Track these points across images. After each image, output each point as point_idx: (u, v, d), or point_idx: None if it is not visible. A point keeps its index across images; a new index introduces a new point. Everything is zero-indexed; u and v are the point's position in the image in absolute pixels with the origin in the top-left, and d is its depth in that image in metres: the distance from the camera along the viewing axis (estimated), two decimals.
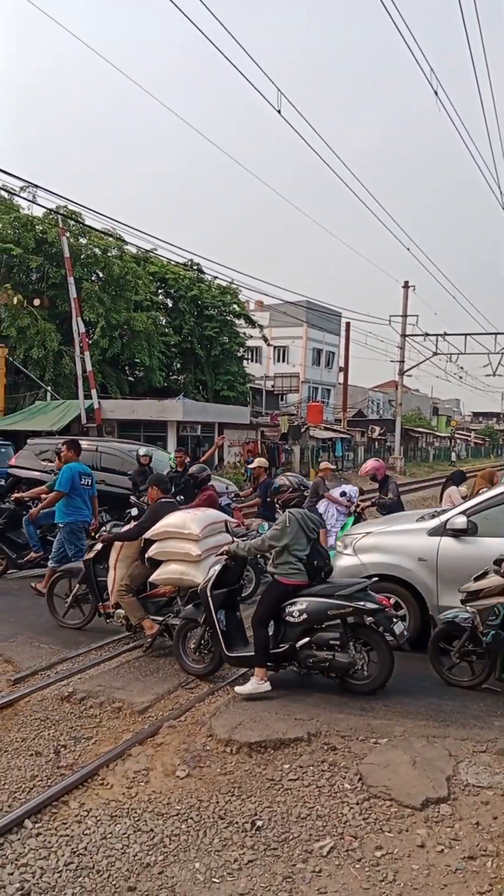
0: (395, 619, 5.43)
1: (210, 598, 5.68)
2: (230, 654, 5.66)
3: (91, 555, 7.11)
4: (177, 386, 31.18)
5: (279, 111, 14.54)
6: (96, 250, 26.11)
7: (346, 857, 3.57)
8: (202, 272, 30.22)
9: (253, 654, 5.49)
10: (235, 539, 6.65)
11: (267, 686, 5.41)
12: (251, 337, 35.11)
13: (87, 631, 7.12)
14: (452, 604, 5.75)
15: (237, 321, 34.09)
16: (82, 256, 25.41)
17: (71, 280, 21.70)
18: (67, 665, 6.25)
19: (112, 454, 13.44)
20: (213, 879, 3.43)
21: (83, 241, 26.07)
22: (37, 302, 23.95)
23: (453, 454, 58.47)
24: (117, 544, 6.78)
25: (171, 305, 32.36)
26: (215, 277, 31.60)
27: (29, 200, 22.78)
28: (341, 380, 45.36)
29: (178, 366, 32.87)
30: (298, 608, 5.43)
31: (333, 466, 6.37)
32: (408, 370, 38.47)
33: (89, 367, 22.29)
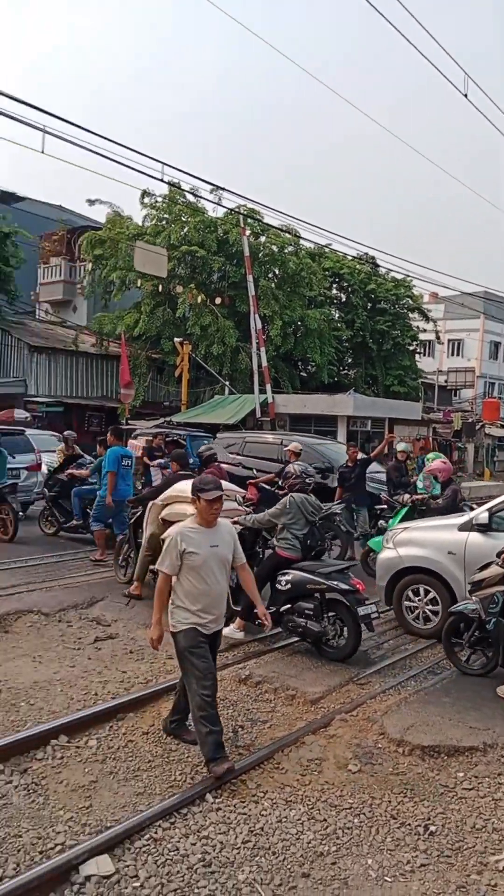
0: (365, 602, 6.21)
1: None
2: (234, 607, 6.51)
3: (133, 520, 8.51)
4: (347, 381, 31.08)
5: (465, 95, 14.02)
6: (273, 248, 26.67)
7: None
8: (377, 265, 29.81)
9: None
10: (245, 509, 7.58)
11: (241, 635, 6.63)
12: (424, 331, 34.10)
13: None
14: None
15: (410, 314, 33.26)
16: (260, 254, 26.07)
17: (250, 278, 22.37)
18: (243, 649, 6.53)
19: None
20: (386, 878, 3.46)
21: (262, 239, 26.74)
22: (218, 300, 24.94)
23: None
24: (152, 508, 7.68)
25: (343, 300, 32.26)
26: (389, 271, 31.06)
27: (215, 203, 23.73)
28: None
29: (349, 360, 32.72)
30: (286, 578, 6.40)
31: None
32: None
33: (264, 363, 22.87)
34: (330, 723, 5.03)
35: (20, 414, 21.85)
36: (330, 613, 6.23)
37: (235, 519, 6.89)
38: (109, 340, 27.63)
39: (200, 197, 24.55)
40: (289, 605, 6.35)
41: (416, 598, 7.05)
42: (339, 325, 30.45)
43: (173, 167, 19.18)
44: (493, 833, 3.80)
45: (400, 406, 27.54)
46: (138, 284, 25.37)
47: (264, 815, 3.94)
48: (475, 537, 6.59)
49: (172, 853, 3.55)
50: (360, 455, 11.61)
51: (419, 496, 9.30)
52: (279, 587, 6.45)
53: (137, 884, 3.30)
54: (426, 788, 4.25)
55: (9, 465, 11.96)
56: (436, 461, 9.59)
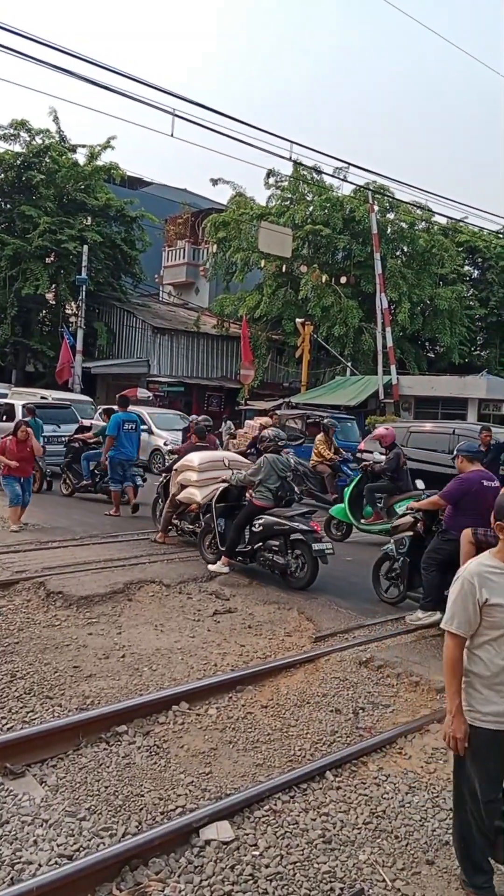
0: (321, 540, 7.50)
1: (213, 510, 8.22)
2: (220, 549, 8.03)
3: (163, 481, 10.03)
4: (479, 362, 29.78)
5: None
6: (403, 224, 25.87)
7: None
8: None
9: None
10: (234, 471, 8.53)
11: (226, 570, 7.88)
12: None
13: (384, 603, 7.24)
14: None
15: None
16: (388, 232, 25.37)
17: (377, 256, 21.83)
18: (364, 631, 6.38)
19: (472, 437, 12.04)
20: None
21: (390, 216, 26.01)
22: (343, 280, 24.54)
23: None
24: (174, 473, 9.27)
25: (477, 276, 30.84)
26: None
27: (340, 179, 23.31)
28: None
29: (483, 340, 31.29)
30: (259, 522, 7.77)
31: None
32: None
33: (390, 343, 22.31)
34: None
35: (143, 393, 22.59)
36: (295, 551, 7.58)
37: (223, 477, 8.36)
38: (230, 322, 27.94)
39: (326, 174, 24.21)
40: (261, 544, 7.77)
41: None
42: (472, 303, 29.17)
43: (302, 145, 18.98)
44: None
45: None
46: (261, 265, 25.45)
47: (386, 798, 3.80)
48: None
49: (292, 826, 3.49)
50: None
51: (366, 462, 10.37)
52: (254, 529, 7.80)
53: (257, 852, 3.27)
54: None
55: (54, 434, 14.41)
56: (379, 428, 10.54)
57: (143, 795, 3.72)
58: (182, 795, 3.73)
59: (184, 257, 33.30)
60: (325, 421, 13.35)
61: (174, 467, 9.32)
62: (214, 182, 28.23)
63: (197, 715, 4.69)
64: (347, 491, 10.13)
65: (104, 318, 28.86)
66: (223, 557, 7.94)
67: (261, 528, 7.73)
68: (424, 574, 6.41)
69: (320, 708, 4.86)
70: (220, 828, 3.39)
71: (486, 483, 6.13)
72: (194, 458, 8.90)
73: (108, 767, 3.98)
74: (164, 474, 10.32)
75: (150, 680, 5.17)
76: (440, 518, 6.52)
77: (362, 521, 10.00)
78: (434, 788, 3.93)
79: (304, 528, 7.46)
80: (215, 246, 27.35)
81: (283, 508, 7.85)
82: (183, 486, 8.90)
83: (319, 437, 12.87)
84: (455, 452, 6.47)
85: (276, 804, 3.66)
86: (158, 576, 7.72)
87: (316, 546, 7.35)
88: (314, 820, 3.57)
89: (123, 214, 28.70)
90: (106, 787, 3.78)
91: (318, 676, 5.37)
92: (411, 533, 6.87)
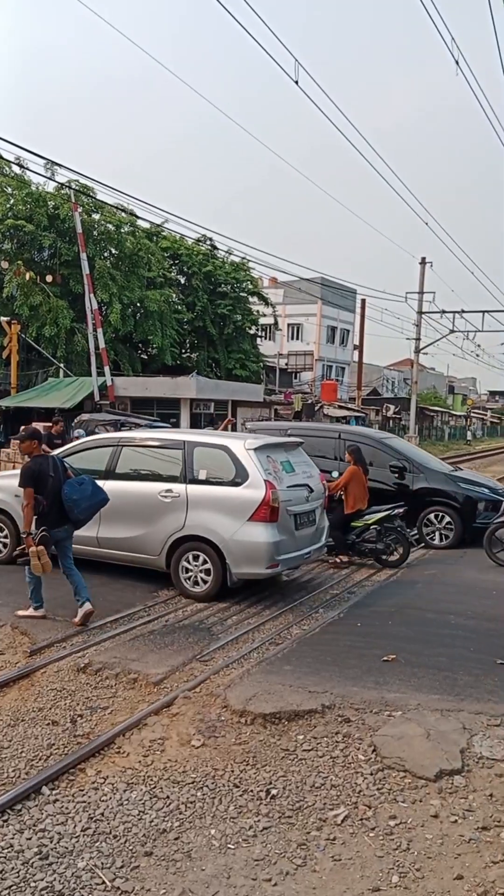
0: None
1: None
2: None
3: None
4: (189, 364, 31.13)
5: (297, 82, 14.24)
6: (109, 226, 25.94)
7: (360, 826, 3.60)
8: (215, 247, 29.99)
9: None
10: None
11: None
12: (264, 315, 34.91)
13: (104, 604, 7.20)
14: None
15: (250, 298, 33.89)
16: (95, 233, 25.26)
17: (83, 256, 21.59)
18: (83, 637, 6.30)
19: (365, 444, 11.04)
20: (229, 846, 3.46)
21: (96, 216, 25.91)
22: (49, 279, 23.84)
23: (469, 433, 58.11)
24: None
25: (183, 282, 32.19)
26: (229, 252, 31.33)
27: (47, 178, 22.57)
28: (356, 358, 45.06)
29: (191, 344, 32.79)
30: None
31: None
32: (424, 348, 37.91)
33: (102, 344, 22.25)
34: (173, 702, 4.97)
35: None
36: None
37: None
38: None
39: (28, 169, 23.32)
40: None
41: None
42: (179, 307, 30.35)
43: None
44: (331, 789, 3.92)
45: (242, 388, 28.03)
46: None
47: (104, 800, 3.81)
48: None
49: (6, 850, 3.34)
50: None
51: None
52: None
53: None
54: (268, 754, 4.32)
55: None
56: None
57: None
58: None
59: None
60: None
61: None
62: None
63: None
64: None
65: None
66: None
67: None
68: None
69: (36, 723, 4.71)
70: None
71: None
72: None
73: None
74: None
75: None
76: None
77: None
78: (151, 780, 4.04)
79: None
80: None
81: None
82: None
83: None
84: None
85: None
86: None
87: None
88: (30, 839, 3.45)
89: None
90: None
91: (34, 691, 5.19)
92: None
